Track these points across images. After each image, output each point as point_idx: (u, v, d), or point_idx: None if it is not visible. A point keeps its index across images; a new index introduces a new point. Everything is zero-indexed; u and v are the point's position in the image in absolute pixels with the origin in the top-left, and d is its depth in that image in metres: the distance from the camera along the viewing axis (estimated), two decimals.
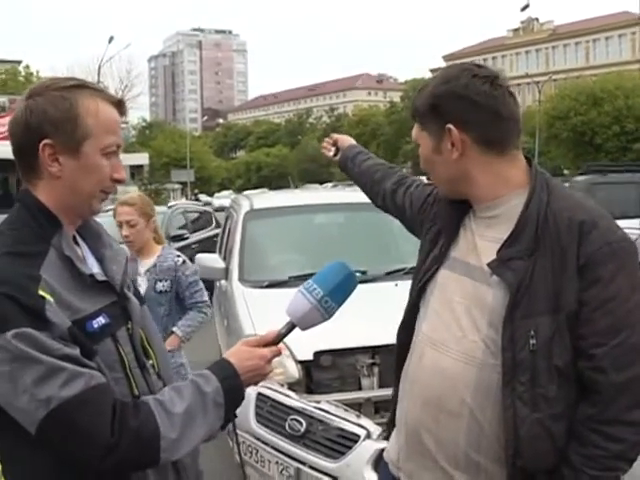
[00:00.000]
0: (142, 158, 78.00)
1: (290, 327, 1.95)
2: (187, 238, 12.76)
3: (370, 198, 2.80)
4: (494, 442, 1.96)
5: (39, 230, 1.78)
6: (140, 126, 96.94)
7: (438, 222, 2.23)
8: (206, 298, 4.90)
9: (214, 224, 15.06)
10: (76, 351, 1.67)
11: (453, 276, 2.09)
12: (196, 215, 15.45)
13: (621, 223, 2.15)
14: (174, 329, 4.72)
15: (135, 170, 79.21)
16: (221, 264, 6.23)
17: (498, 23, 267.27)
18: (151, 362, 1.98)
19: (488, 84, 1.99)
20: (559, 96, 57.20)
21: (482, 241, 2.04)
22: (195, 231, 14.15)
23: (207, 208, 17.04)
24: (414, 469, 2.14)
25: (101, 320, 1.78)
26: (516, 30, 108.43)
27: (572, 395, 1.91)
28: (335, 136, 3.13)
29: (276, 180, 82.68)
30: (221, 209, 22.23)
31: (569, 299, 1.87)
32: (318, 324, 1.96)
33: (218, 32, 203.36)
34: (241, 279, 5.78)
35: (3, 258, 1.69)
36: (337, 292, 1.94)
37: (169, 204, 14.07)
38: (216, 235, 14.52)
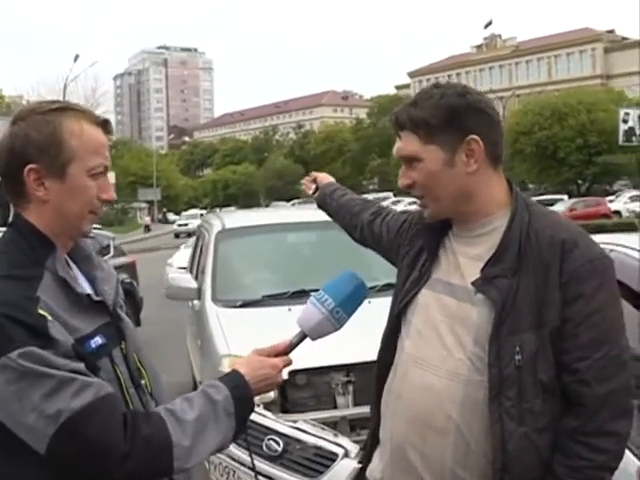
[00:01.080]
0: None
1: (301, 337, 1.97)
2: None
3: (348, 232, 2.80)
4: (481, 458, 1.97)
5: (32, 253, 1.78)
6: None
7: (417, 244, 2.23)
8: None
9: (111, 254, 11.68)
10: (81, 365, 1.68)
11: (435, 296, 2.10)
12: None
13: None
14: None
15: None
16: (194, 284, 6.21)
17: (462, 40, 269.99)
18: (144, 382, 1.97)
19: (491, 102, 2.08)
20: (523, 111, 57.95)
21: (465, 259, 2.06)
22: None
23: (107, 232, 13.51)
24: None
25: (98, 340, 1.79)
26: (479, 47, 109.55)
27: (556, 408, 1.95)
28: (315, 174, 3.14)
29: (243, 198, 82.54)
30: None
31: (552, 316, 1.91)
32: (328, 334, 1.98)
33: (184, 50, 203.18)
34: (214, 299, 5.75)
35: (0, 282, 1.69)
36: (348, 303, 1.96)
37: None
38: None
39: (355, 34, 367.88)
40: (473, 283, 1.99)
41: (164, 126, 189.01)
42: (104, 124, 1.89)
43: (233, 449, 4.04)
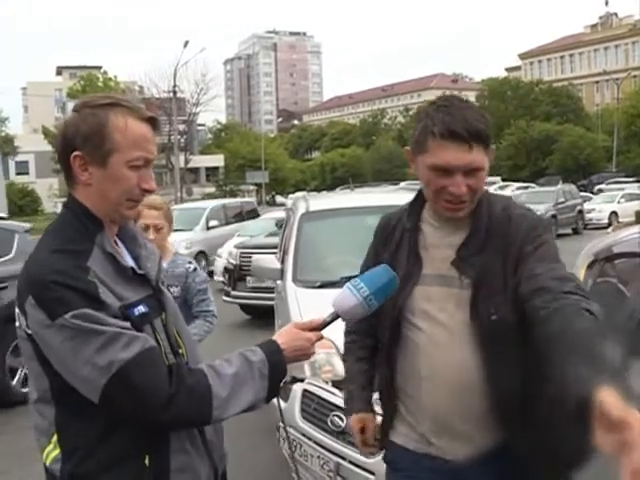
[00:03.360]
0: (217, 160, 79.38)
1: (334, 317, 2.18)
2: None
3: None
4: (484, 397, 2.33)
5: (84, 230, 1.99)
6: (216, 128, 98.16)
7: (389, 248, 2.53)
8: (213, 308, 4.81)
9: (12, 254, 8.58)
10: (128, 324, 1.90)
11: (428, 289, 2.39)
12: None
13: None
14: None
15: (210, 171, 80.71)
16: (276, 265, 6.40)
17: (575, 20, 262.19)
18: (181, 351, 2.16)
19: None
20: (639, 93, 55.90)
21: (447, 250, 2.37)
22: None
23: (18, 223, 10.04)
24: (444, 444, 2.41)
25: (141, 308, 2.00)
26: (594, 26, 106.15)
27: (519, 352, 2.23)
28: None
29: (352, 181, 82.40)
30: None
31: (511, 271, 2.25)
32: (359, 317, 2.22)
33: (293, 34, 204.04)
34: (295, 279, 5.94)
35: (55, 254, 1.91)
36: (380, 292, 2.17)
37: None
38: None
39: (465, 16, 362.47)
40: (452, 262, 2.33)
41: (273, 110, 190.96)
42: (151, 120, 2.07)
43: (300, 423, 4.19)
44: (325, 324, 2.18)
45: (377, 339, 2.61)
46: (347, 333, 2.80)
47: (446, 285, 2.35)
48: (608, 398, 1.43)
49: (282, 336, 2.13)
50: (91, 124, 1.97)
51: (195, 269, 4.73)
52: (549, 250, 2.25)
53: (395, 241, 2.51)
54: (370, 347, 2.70)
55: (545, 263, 2.18)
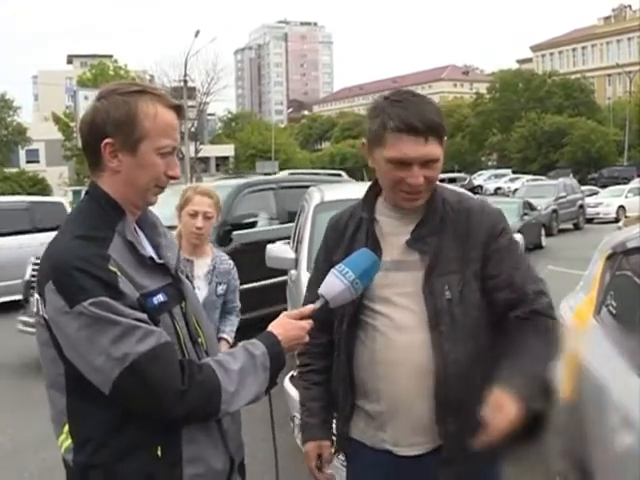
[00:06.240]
0: (228, 149, 79.24)
1: (323, 304, 2.24)
2: None
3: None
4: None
5: (105, 217, 2.00)
6: (226, 118, 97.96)
7: (342, 245, 2.55)
8: (239, 302, 4.88)
9: None
10: (145, 316, 1.90)
11: (387, 275, 2.42)
12: None
13: None
14: (224, 335, 4.63)
15: (220, 161, 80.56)
16: (291, 254, 6.42)
17: (588, 12, 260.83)
18: (200, 340, 2.18)
19: None
20: None
21: (403, 237, 2.42)
22: None
23: None
24: (398, 432, 2.44)
25: (160, 297, 2.01)
26: (607, 18, 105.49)
27: (481, 332, 2.38)
28: None
29: (360, 171, 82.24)
30: None
31: (474, 257, 2.38)
32: (345, 302, 2.28)
33: (303, 24, 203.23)
34: (309, 269, 5.91)
35: (76, 241, 1.92)
36: (365, 275, 2.25)
37: None
38: None
39: (478, 6, 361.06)
40: (406, 242, 2.41)
41: (284, 100, 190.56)
42: (178, 108, 2.09)
43: None
44: (315, 312, 2.23)
45: (330, 360, 2.62)
46: (299, 355, 2.74)
47: (405, 270, 2.40)
48: (500, 393, 2.12)
49: (277, 327, 2.16)
50: (122, 111, 1.98)
51: (233, 267, 4.72)
52: (517, 250, 2.47)
53: (349, 235, 2.54)
54: (324, 369, 2.67)
55: (521, 271, 2.40)
